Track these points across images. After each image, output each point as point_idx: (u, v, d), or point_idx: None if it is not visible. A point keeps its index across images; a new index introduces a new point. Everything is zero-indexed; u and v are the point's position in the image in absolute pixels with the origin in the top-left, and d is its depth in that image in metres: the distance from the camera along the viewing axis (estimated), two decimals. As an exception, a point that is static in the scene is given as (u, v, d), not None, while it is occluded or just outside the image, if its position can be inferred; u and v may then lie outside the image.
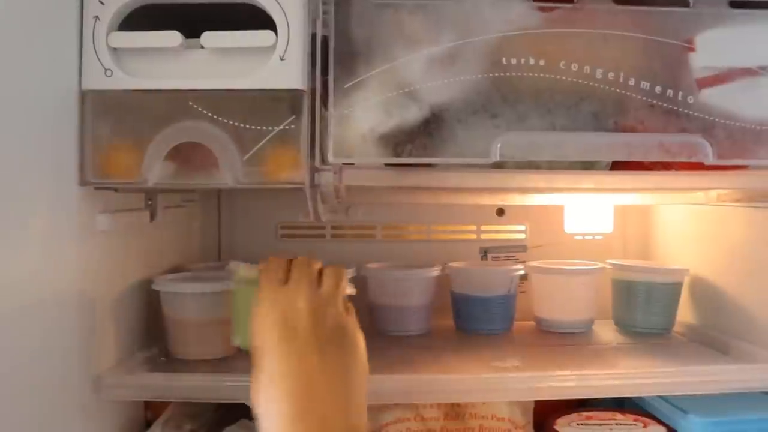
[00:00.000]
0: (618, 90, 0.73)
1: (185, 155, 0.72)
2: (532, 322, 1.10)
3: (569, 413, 0.90)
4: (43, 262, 0.66)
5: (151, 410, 0.88)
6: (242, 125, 0.70)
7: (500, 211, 1.22)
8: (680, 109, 0.73)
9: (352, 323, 0.62)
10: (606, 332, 1.06)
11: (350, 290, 0.67)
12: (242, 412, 0.85)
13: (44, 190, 0.67)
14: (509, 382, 0.79)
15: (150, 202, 0.91)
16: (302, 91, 0.70)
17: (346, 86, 0.71)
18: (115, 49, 0.71)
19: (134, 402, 0.86)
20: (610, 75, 0.72)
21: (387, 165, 0.74)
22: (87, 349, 0.74)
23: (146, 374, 0.80)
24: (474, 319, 0.89)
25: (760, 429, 0.79)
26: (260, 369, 0.57)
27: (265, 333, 0.59)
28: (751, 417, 0.80)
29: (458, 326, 0.90)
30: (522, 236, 1.23)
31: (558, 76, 0.72)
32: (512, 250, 1.22)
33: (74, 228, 0.71)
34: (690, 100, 0.73)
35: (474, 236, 1.22)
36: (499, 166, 0.74)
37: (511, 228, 1.23)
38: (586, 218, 1.21)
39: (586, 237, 1.23)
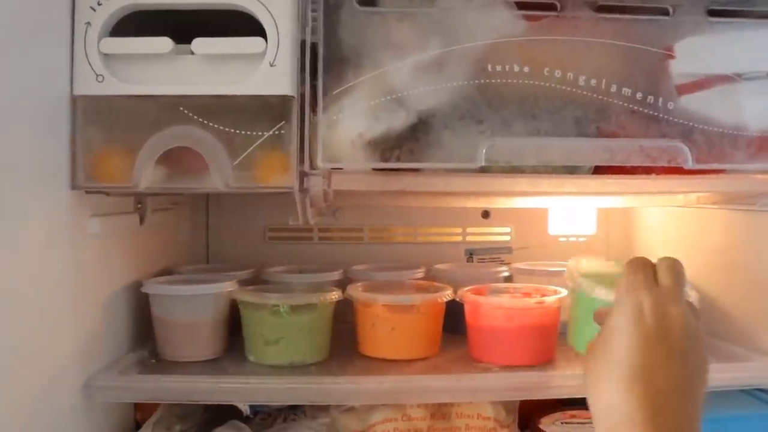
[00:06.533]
0: (600, 96, 0.74)
1: (176, 160, 0.73)
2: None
3: (553, 412, 0.91)
4: (35, 265, 0.67)
5: (141, 412, 0.89)
6: (232, 130, 0.72)
7: (486, 214, 1.24)
8: (660, 115, 0.75)
9: (695, 326, 0.58)
10: (589, 332, 1.08)
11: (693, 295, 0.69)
12: (231, 413, 0.86)
13: (37, 194, 0.67)
14: (494, 382, 0.81)
15: (139, 206, 0.92)
16: (292, 96, 0.71)
17: (334, 92, 0.72)
18: (106, 54, 0.72)
19: (124, 403, 0.87)
20: (593, 82, 0.74)
21: (375, 170, 0.75)
22: (78, 351, 0.75)
23: (137, 376, 0.81)
24: (460, 320, 0.90)
25: (738, 426, 0.81)
26: (608, 373, 0.56)
27: (621, 337, 0.57)
28: (730, 414, 0.82)
29: (445, 327, 0.91)
30: (507, 238, 1.25)
31: (542, 83, 0.74)
32: (497, 252, 1.24)
33: (66, 231, 0.72)
34: (670, 106, 0.75)
35: (460, 238, 1.24)
36: (484, 170, 0.75)
37: (497, 230, 1.25)
38: (569, 221, 1.23)
39: (570, 239, 1.25)
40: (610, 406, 0.54)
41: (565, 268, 0.95)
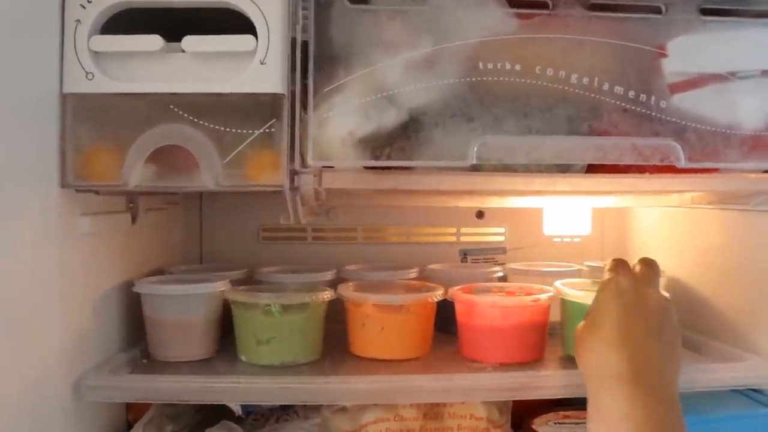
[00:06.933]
0: (592, 94, 0.74)
1: (166, 158, 0.72)
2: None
3: (546, 412, 0.91)
4: (25, 264, 0.66)
5: (132, 412, 0.89)
6: (223, 128, 0.71)
7: (480, 214, 1.24)
8: (653, 114, 0.75)
9: (668, 305, 0.71)
10: (583, 333, 1.08)
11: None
12: (223, 413, 0.86)
13: (26, 192, 0.67)
14: (486, 382, 0.80)
15: (131, 205, 0.92)
16: (282, 94, 0.71)
17: (325, 90, 0.71)
18: (96, 52, 0.71)
19: (115, 404, 0.86)
20: (585, 80, 0.74)
21: (366, 168, 0.75)
22: (68, 351, 0.74)
23: (127, 376, 0.81)
24: (453, 320, 0.90)
25: (732, 426, 0.81)
26: (596, 337, 0.67)
27: (606, 307, 0.69)
28: (724, 414, 0.82)
29: (438, 327, 0.91)
30: (501, 239, 1.25)
31: (534, 81, 0.73)
32: (492, 253, 1.24)
33: (56, 230, 0.72)
34: (662, 104, 0.75)
35: (454, 239, 1.24)
36: (476, 169, 0.75)
37: (491, 230, 1.25)
38: (564, 221, 1.23)
39: (565, 239, 1.25)
40: (600, 363, 0.65)
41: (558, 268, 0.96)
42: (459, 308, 0.89)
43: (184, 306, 0.87)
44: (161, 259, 1.07)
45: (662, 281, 1.07)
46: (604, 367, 0.64)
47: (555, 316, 0.91)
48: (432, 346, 0.91)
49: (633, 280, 0.71)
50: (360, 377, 0.80)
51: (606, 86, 0.74)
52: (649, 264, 0.75)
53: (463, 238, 1.24)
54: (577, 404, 0.92)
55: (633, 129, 0.75)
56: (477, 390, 0.81)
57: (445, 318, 0.91)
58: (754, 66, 0.78)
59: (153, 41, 0.71)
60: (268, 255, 1.18)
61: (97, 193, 0.79)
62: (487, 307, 0.86)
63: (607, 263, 0.76)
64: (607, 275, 0.73)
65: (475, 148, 0.72)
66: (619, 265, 0.74)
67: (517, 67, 0.73)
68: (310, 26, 0.72)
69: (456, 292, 0.89)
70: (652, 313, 0.68)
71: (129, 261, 0.93)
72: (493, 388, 0.80)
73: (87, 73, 0.71)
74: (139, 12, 0.73)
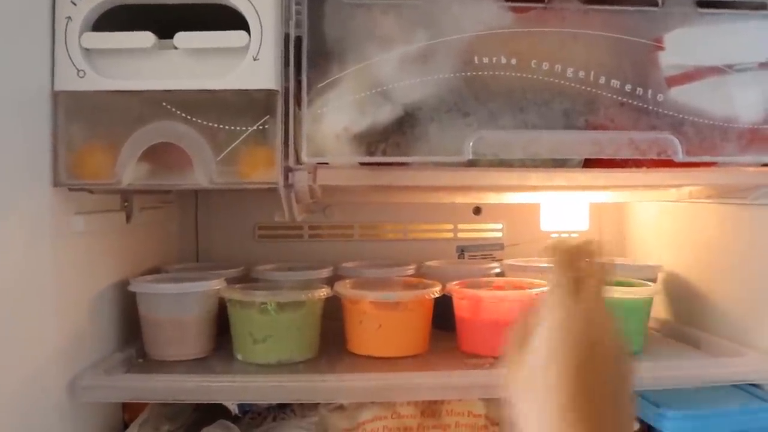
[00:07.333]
0: (588, 88, 0.74)
1: (159, 156, 0.72)
2: (509, 320, 1.11)
3: (544, 409, 0.91)
4: (18, 263, 0.66)
5: (129, 412, 0.88)
6: (216, 125, 0.71)
7: (477, 210, 1.24)
8: (650, 107, 0.74)
9: (614, 327, 0.54)
10: (582, 329, 1.07)
11: None
12: (220, 412, 0.85)
13: (18, 191, 0.67)
14: (484, 379, 0.80)
15: (126, 204, 0.91)
16: (276, 90, 0.71)
17: (319, 86, 0.71)
18: (87, 49, 0.71)
19: (112, 404, 0.86)
20: (581, 74, 0.73)
21: (361, 164, 0.74)
22: (63, 351, 0.74)
23: (123, 376, 0.80)
24: (450, 317, 0.90)
25: (731, 421, 0.81)
26: (541, 387, 0.51)
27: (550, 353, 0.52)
28: (722, 409, 0.81)
29: (435, 324, 0.91)
30: (499, 235, 1.24)
31: (529, 75, 0.73)
32: (489, 249, 1.23)
33: (49, 229, 0.71)
34: (659, 98, 0.75)
35: (451, 235, 1.24)
36: (472, 164, 0.74)
37: (488, 227, 1.24)
38: (562, 216, 1.23)
39: (562, 235, 1.24)
40: (533, 392, 0.51)
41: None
42: (461, 304, 0.89)
43: (179, 304, 0.86)
44: (157, 257, 1.06)
45: (660, 277, 1.07)
46: (536, 392, 0.51)
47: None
48: (429, 343, 0.91)
49: (579, 318, 0.53)
50: (357, 375, 0.80)
51: (602, 80, 0.74)
52: (599, 275, 0.56)
53: (460, 235, 1.24)
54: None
55: (630, 123, 0.74)
56: (475, 387, 0.80)
57: (441, 314, 0.91)
58: (751, 58, 0.77)
59: (145, 38, 0.70)
60: (265, 253, 1.17)
61: (90, 191, 0.78)
62: (494, 301, 0.87)
63: (553, 264, 0.56)
64: (550, 303, 0.55)
65: (471, 144, 0.72)
66: (563, 279, 0.55)
67: (513, 61, 0.73)
68: (304, 21, 0.71)
69: (459, 289, 0.90)
70: (603, 353, 0.52)
71: (124, 260, 0.92)
72: (491, 385, 0.80)
73: (78, 70, 0.70)
74: (131, 9, 0.72)
